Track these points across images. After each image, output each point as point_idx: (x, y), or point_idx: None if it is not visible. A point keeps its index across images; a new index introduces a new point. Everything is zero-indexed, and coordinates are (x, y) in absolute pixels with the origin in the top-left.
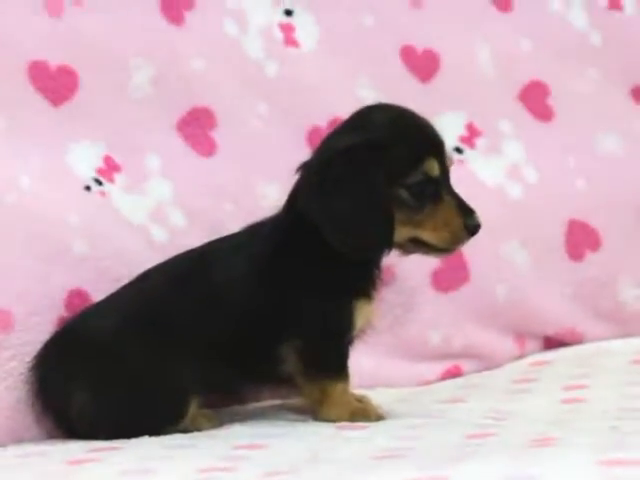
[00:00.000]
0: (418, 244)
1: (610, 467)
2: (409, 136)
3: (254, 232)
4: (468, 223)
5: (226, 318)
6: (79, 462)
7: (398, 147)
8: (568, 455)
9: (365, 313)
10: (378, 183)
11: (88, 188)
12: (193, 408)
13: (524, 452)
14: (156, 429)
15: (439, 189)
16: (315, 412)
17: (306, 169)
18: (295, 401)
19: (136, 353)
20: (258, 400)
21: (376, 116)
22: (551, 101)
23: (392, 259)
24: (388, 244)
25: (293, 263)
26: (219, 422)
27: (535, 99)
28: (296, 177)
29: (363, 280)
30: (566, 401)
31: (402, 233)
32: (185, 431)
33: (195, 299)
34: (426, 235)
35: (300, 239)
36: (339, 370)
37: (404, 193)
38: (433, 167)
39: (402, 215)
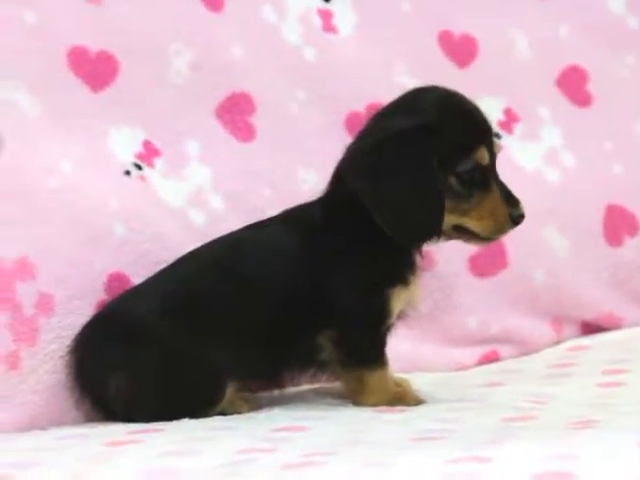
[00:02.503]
0: (461, 231)
1: None
2: (460, 122)
3: (292, 217)
4: (513, 213)
5: (264, 304)
6: (120, 443)
7: (450, 133)
8: (609, 437)
9: (403, 299)
10: (431, 169)
11: (128, 173)
12: (230, 392)
13: (565, 434)
14: (192, 412)
15: (487, 177)
16: (353, 399)
17: (356, 152)
18: (334, 385)
19: (173, 337)
20: (297, 385)
21: (426, 99)
22: (589, 86)
23: (431, 245)
24: (438, 231)
25: (331, 250)
26: (258, 405)
27: (573, 84)
28: (338, 162)
29: (400, 267)
30: (606, 385)
31: (448, 220)
32: (223, 414)
33: (233, 284)
34: (472, 224)
35: (338, 225)
36: (376, 358)
37: (454, 180)
38: (484, 155)
39: (450, 202)
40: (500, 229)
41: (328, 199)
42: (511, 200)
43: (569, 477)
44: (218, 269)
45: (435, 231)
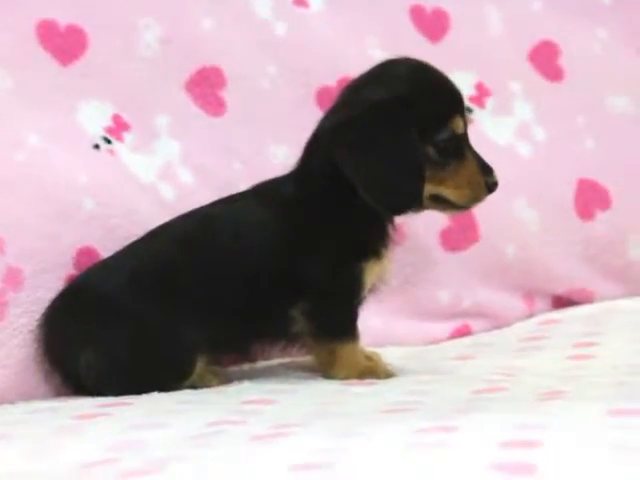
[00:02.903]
0: (438, 201)
1: (620, 416)
2: (435, 92)
3: (264, 192)
4: (488, 181)
5: (236, 278)
6: (89, 417)
7: (425, 103)
8: (578, 406)
9: (375, 272)
10: (411, 139)
11: (97, 147)
12: (200, 366)
13: (534, 404)
14: (163, 386)
15: (462, 146)
16: (324, 372)
17: (335, 125)
18: (305, 359)
19: (142, 311)
20: (267, 358)
21: (398, 70)
22: (561, 61)
23: (402, 218)
24: (418, 200)
25: (304, 223)
26: (228, 379)
27: (545, 59)
28: (310, 136)
29: (374, 240)
30: (576, 357)
31: (425, 190)
32: (194, 388)
33: (204, 258)
34: (448, 192)
35: (311, 199)
36: (348, 331)
37: (431, 150)
38: (459, 124)
39: (427, 172)
40: (476, 197)
41: (300, 173)
42: (485, 168)
43: (536, 445)
44: (189, 243)
45: (416, 200)
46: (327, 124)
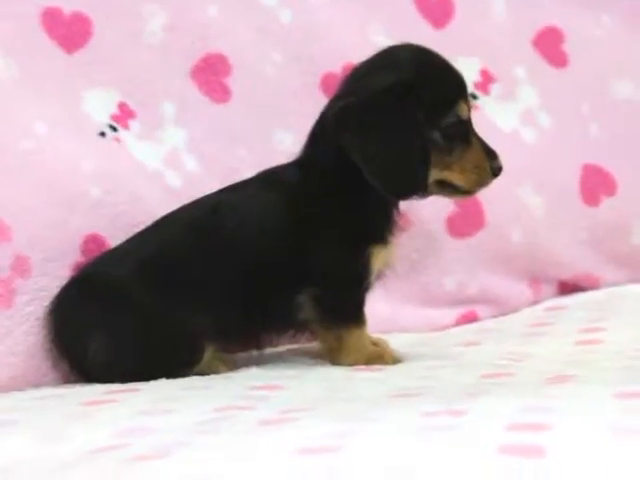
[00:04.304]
0: (443, 186)
1: (627, 399)
2: (439, 77)
3: (271, 179)
4: (493, 165)
5: (244, 266)
6: (96, 403)
7: (431, 88)
8: (585, 390)
9: (382, 258)
10: (418, 124)
11: (103, 134)
12: (208, 354)
13: (541, 388)
14: (170, 374)
15: (467, 131)
16: (331, 358)
17: (342, 110)
18: (312, 345)
19: (151, 299)
20: (275, 346)
21: (403, 56)
22: (565, 47)
23: (408, 204)
24: (424, 185)
25: (312, 209)
26: (235, 365)
27: (549, 45)
28: (315, 122)
29: (380, 225)
30: (582, 342)
31: (431, 175)
32: (201, 374)
33: (213, 247)
34: (454, 177)
35: (318, 185)
36: (355, 317)
37: (437, 135)
38: (464, 109)
39: (433, 157)
40: (481, 181)
41: (306, 159)
42: (490, 153)
43: (545, 428)
44: (197, 232)
45: (422, 185)
46: (332, 110)
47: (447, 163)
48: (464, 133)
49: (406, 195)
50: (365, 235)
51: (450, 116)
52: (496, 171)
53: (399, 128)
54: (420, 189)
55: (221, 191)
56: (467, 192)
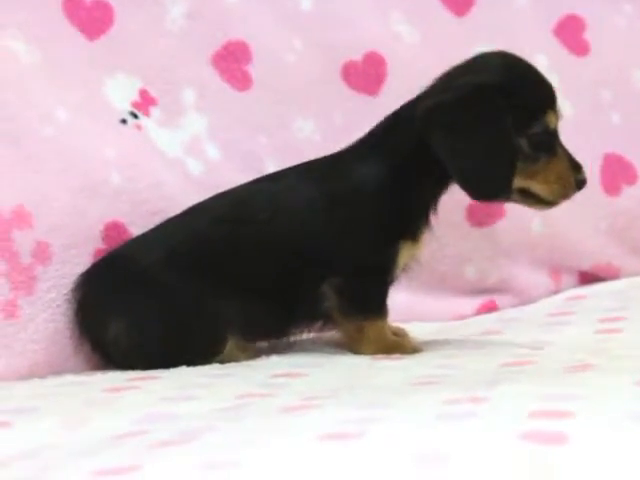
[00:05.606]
0: (525, 195)
1: None
2: (531, 85)
3: (302, 172)
4: (577, 178)
5: (272, 258)
6: (118, 389)
7: (522, 95)
8: (607, 378)
9: (409, 253)
10: (507, 127)
11: (124, 121)
12: (231, 344)
13: (563, 376)
14: (192, 362)
15: (554, 142)
16: (351, 348)
17: (432, 108)
18: (332, 335)
19: (176, 287)
20: (296, 334)
21: (495, 62)
22: (586, 35)
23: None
24: (508, 189)
25: (344, 204)
26: (256, 354)
27: (570, 33)
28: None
29: (416, 223)
30: (602, 331)
31: (514, 182)
32: (220, 362)
33: (244, 238)
34: (538, 187)
35: (355, 180)
36: (377, 309)
37: (524, 142)
38: (552, 119)
39: (518, 164)
40: (565, 194)
41: (355, 154)
42: (575, 165)
43: (567, 416)
44: (229, 223)
45: (505, 190)
46: (421, 108)
47: (531, 172)
48: (550, 143)
49: (489, 197)
50: (399, 230)
51: (538, 125)
52: (580, 184)
53: (489, 129)
54: (504, 193)
55: (256, 181)
56: (550, 203)
